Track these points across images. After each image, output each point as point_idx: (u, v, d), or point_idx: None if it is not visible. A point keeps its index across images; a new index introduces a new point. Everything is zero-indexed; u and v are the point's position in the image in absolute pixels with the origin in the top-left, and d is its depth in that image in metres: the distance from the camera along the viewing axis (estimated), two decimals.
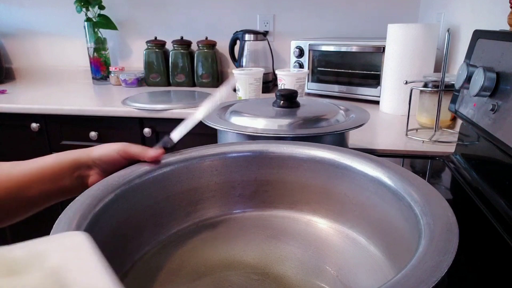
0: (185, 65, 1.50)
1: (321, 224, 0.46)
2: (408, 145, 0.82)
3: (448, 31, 0.78)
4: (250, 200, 0.49)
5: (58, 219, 0.32)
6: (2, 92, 1.41)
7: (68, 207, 0.34)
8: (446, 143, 0.81)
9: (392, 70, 1.04)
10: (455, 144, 0.75)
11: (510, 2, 0.63)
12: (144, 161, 0.43)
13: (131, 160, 0.43)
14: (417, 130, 0.91)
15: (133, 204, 0.41)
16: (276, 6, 1.51)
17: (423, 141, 0.83)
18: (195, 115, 0.47)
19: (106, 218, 0.36)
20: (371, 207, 0.41)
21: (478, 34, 0.63)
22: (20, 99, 1.31)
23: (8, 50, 1.73)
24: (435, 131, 0.85)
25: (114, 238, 0.37)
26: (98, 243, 0.27)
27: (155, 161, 0.43)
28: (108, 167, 0.43)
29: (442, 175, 0.71)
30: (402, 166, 0.43)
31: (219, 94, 0.49)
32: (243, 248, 0.44)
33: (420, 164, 0.75)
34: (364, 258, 0.41)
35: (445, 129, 0.89)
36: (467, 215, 0.54)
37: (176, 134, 0.46)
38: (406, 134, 0.87)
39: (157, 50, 1.51)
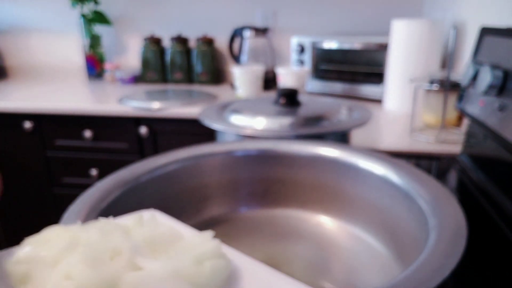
0: (183, 62, 1.48)
1: (330, 224, 0.46)
2: (413, 144, 0.81)
3: (453, 28, 0.76)
4: (259, 199, 0.49)
5: (67, 210, 0.33)
6: None
7: (77, 199, 0.35)
8: (452, 143, 0.79)
9: (397, 67, 1.02)
10: (461, 143, 0.74)
11: None
12: None
13: None
14: (422, 129, 0.89)
15: (142, 200, 0.41)
16: (276, 2, 1.48)
17: (428, 141, 0.81)
18: None
19: (115, 212, 0.37)
20: (381, 207, 0.41)
21: (485, 31, 0.62)
22: (12, 98, 1.28)
23: (0, 47, 1.70)
24: (440, 130, 0.84)
25: None
26: None
27: None
28: None
29: (448, 175, 0.70)
30: None
31: None
32: (251, 247, 0.44)
33: (425, 164, 0.74)
34: (373, 258, 0.41)
35: (451, 128, 0.87)
36: (474, 217, 0.53)
37: None
38: (411, 133, 0.86)
39: (154, 47, 1.48)
